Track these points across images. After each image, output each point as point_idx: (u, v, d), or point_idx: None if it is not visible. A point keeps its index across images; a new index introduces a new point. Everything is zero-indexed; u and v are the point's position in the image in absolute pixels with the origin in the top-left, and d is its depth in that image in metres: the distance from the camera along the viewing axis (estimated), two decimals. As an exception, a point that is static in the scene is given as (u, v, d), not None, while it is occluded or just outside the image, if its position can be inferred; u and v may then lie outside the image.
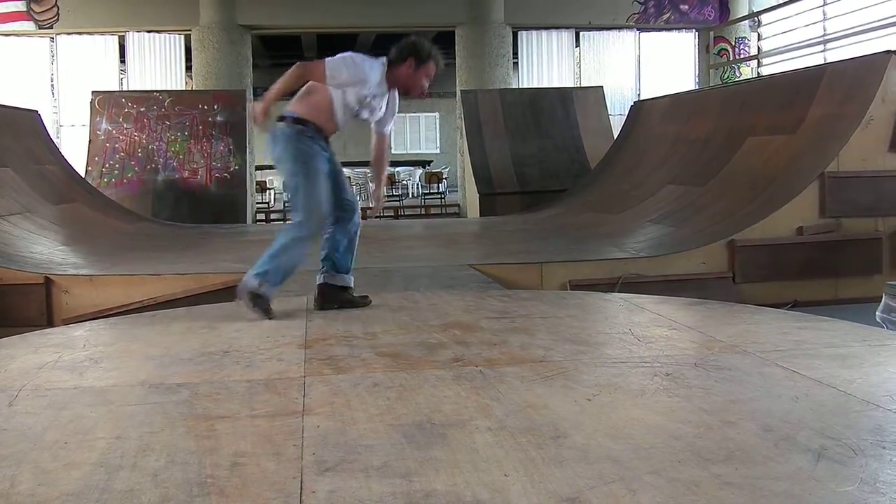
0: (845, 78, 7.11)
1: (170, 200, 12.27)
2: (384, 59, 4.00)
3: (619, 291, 5.46)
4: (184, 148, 12.77)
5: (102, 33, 15.36)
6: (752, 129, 7.98)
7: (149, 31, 15.38)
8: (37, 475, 1.94)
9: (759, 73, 15.39)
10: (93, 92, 13.05)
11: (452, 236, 9.16)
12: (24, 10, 14.91)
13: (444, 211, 15.95)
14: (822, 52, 13.21)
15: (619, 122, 13.19)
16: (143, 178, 12.41)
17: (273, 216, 15.64)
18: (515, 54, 16.45)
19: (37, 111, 10.74)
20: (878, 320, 4.68)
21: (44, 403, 2.53)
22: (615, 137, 12.39)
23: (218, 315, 4.09)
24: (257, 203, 15.01)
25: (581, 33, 16.58)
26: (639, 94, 16.07)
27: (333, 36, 17.40)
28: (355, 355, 3.14)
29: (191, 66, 15.57)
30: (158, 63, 15.49)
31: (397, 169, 17.96)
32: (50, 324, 5.69)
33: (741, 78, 15.78)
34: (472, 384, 2.68)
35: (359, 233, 4.20)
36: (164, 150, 12.70)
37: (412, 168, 19.68)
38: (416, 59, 3.97)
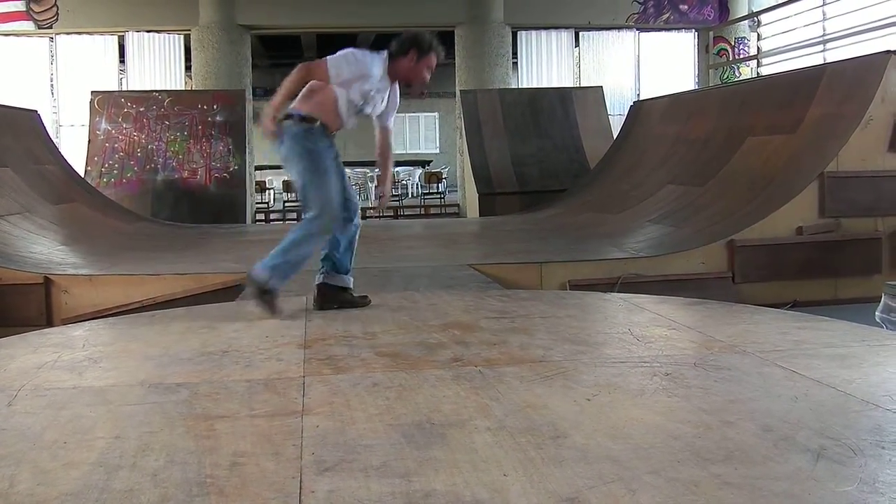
0: (845, 78, 7.11)
1: (169, 200, 12.27)
2: (385, 53, 4.01)
3: (618, 291, 5.45)
4: (183, 148, 12.78)
5: (102, 33, 15.35)
6: (751, 129, 7.99)
7: (148, 31, 15.37)
8: (36, 475, 1.94)
9: (758, 73, 15.40)
10: (92, 92, 13.05)
11: (452, 236, 9.16)
12: (24, 9, 14.91)
13: (443, 211, 15.95)
14: (821, 52, 13.21)
15: (618, 122, 13.20)
16: (143, 178, 12.41)
17: (273, 216, 15.64)
18: (515, 54, 16.45)
19: (36, 111, 10.73)
20: (878, 320, 4.68)
21: (43, 403, 2.53)
22: (615, 137, 12.39)
23: (217, 315, 4.09)
24: (257, 203, 15.01)
25: (580, 33, 16.58)
26: (638, 94, 16.07)
27: (333, 36, 17.39)
28: (355, 355, 3.14)
29: (190, 66, 15.56)
30: (158, 63, 15.49)
31: (396, 169, 17.95)
32: (49, 324, 5.69)
33: (741, 78, 15.78)
34: (471, 384, 2.68)
35: (358, 233, 4.21)
36: (163, 150, 12.70)
37: (412, 168, 19.67)
38: (417, 50, 3.99)
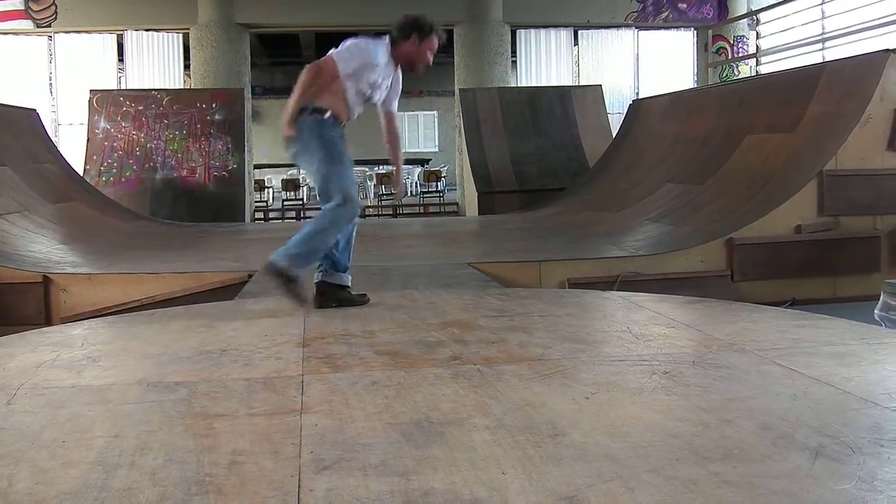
0: (844, 76, 7.11)
1: (168, 199, 12.26)
2: (387, 39, 4.04)
3: (617, 290, 5.46)
4: (182, 146, 12.77)
5: (101, 32, 15.33)
6: (750, 127, 7.98)
7: (147, 30, 15.35)
8: (34, 474, 1.94)
9: (757, 72, 15.40)
10: (91, 90, 13.04)
11: (451, 235, 9.16)
12: (23, 8, 14.89)
13: (442, 209, 15.95)
14: (820, 50, 13.21)
15: (617, 120, 13.20)
16: (142, 177, 12.41)
17: (271, 214, 15.64)
18: (514, 53, 16.44)
19: (35, 110, 10.72)
20: (877, 318, 4.68)
21: (42, 402, 2.53)
22: (614, 136, 12.39)
23: (216, 314, 4.09)
24: (255, 201, 15.01)
25: (580, 32, 16.57)
26: (637, 93, 16.07)
27: (332, 34, 17.38)
28: (353, 354, 3.14)
29: (189, 65, 15.55)
30: (157, 61, 15.47)
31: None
32: (48, 322, 5.69)
33: (740, 76, 15.78)
34: (470, 382, 2.68)
35: (356, 231, 4.21)
36: (162, 149, 12.69)
37: (411, 166, 19.67)
38: (419, 33, 4.04)
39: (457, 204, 15.55)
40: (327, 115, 3.91)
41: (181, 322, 3.86)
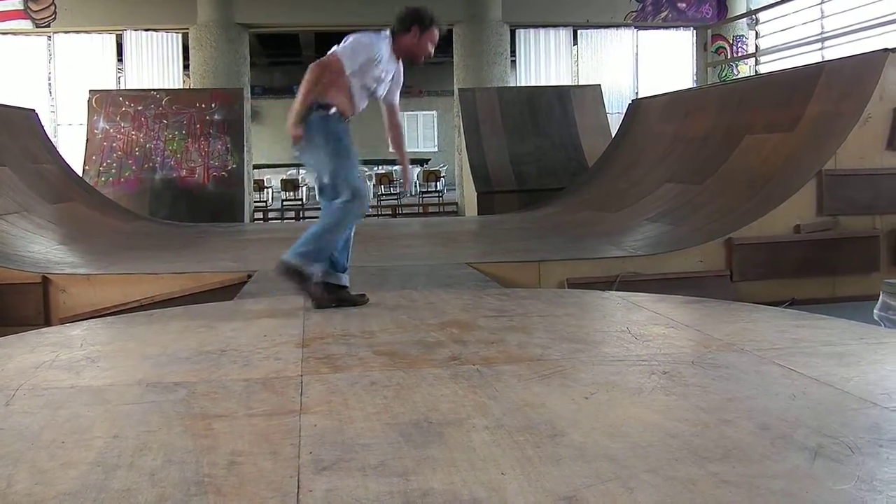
0: (843, 76, 7.11)
1: (167, 199, 12.26)
2: (388, 32, 4.05)
3: (616, 290, 5.46)
4: (181, 146, 12.76)
5: (100, 32, 15.33)
6: (749, 126, 7.98)
7: (146, 30, 15.36)
8: (33, 474, 1.94)
9: (756, 71, 15.41)
10: (90, 90, 13.04)
11: (450, 235, 9.15)
12: (22, 8, 14.88)
13: (441, 209, 15.96)
14: (819, 49, 13.22)
15: (616, 120, 13.20)
16: (141, 177, 12.40)
17: (271, 214, 15.64)
18: (513, 52, 16.44)
19: (34, 110, 10.72)
20: (876, 318, 4.68)
21: (41, 403, 2.53)
22: (613, 136, 12.39)
23: (215, 314, 4.09)
24: (255, 202, 15.01)
25: (579, 31, 16.58)
26: (636, 93, 16.07)
27: (331, 34, 17.38)
28: (352, 354, 3.13)
29: (188, 65, 15.55)
30: (156, 61, 15.47)
31: (394, 168, 17.97)
32: (47, 323, 5.68)
33: (739, 76, 15.79)
34: (469, 383, 2.68)
35: (354, 231, 4.21)
36: (161, 149, 12.69)
37: (410, 166, 19.65)
38: (420, 26, 4.06)
39: (456, 204, 15.55)
40: (332, 110, 3.91)
41: (180, 322, 3.85)
